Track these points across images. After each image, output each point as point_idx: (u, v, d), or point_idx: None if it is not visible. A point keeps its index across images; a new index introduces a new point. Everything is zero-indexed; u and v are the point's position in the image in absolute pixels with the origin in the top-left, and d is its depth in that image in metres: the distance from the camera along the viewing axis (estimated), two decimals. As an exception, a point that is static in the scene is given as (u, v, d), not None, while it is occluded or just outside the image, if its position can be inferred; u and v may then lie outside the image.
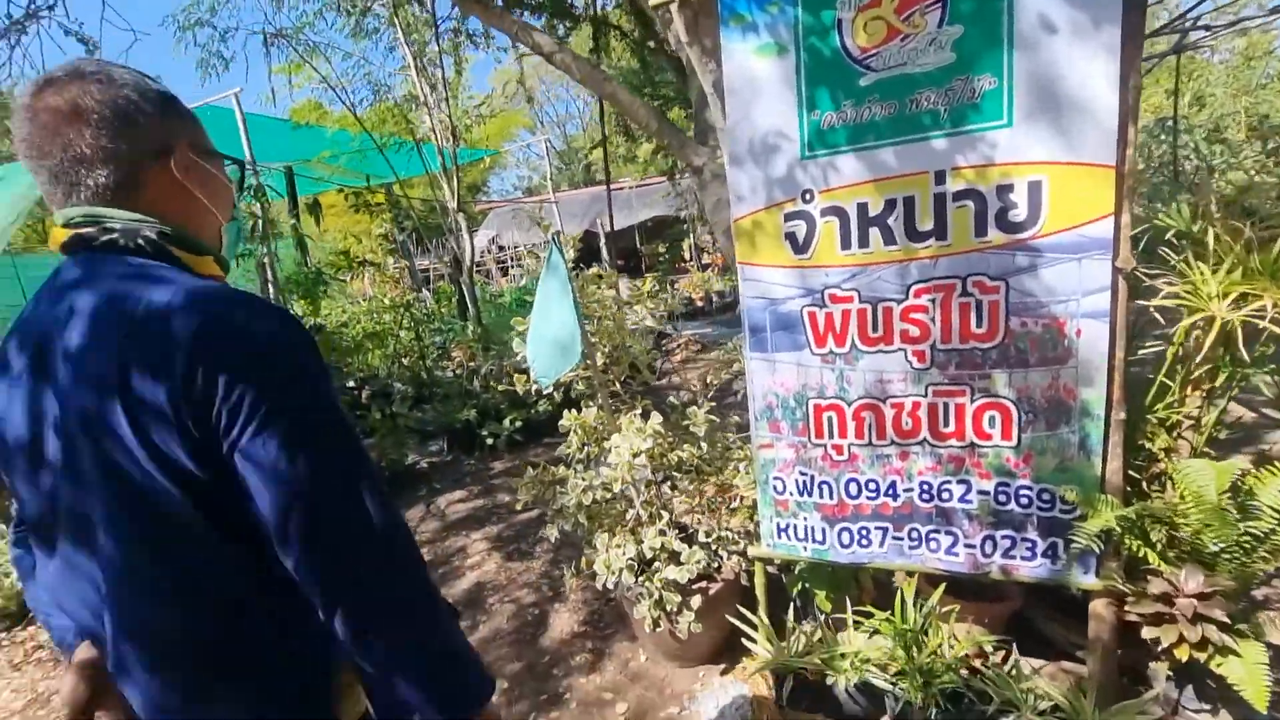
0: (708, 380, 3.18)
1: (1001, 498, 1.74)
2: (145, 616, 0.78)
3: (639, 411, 1.99)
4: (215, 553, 0.76)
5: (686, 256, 12.92)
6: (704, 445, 2.03)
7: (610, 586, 1.92)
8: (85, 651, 0.83)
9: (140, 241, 0.80)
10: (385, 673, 0.77)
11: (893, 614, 1.84)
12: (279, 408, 0.72)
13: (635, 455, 1.80)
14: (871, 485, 1.86)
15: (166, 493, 0.72)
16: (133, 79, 0.82)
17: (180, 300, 0.73)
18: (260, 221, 5.02)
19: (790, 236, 1.79)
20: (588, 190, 20.32)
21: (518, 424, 4.88)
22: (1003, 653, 1.86)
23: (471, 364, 5.80)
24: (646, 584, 1.94)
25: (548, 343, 1.80)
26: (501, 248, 16.28)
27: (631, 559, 1.91)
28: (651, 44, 7.27)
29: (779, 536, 2.00)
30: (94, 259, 0.80)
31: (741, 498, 2.24)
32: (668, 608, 1.96)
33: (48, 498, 0.80)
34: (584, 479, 1.98)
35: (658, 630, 1.99)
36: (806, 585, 2.15)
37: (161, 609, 0.77)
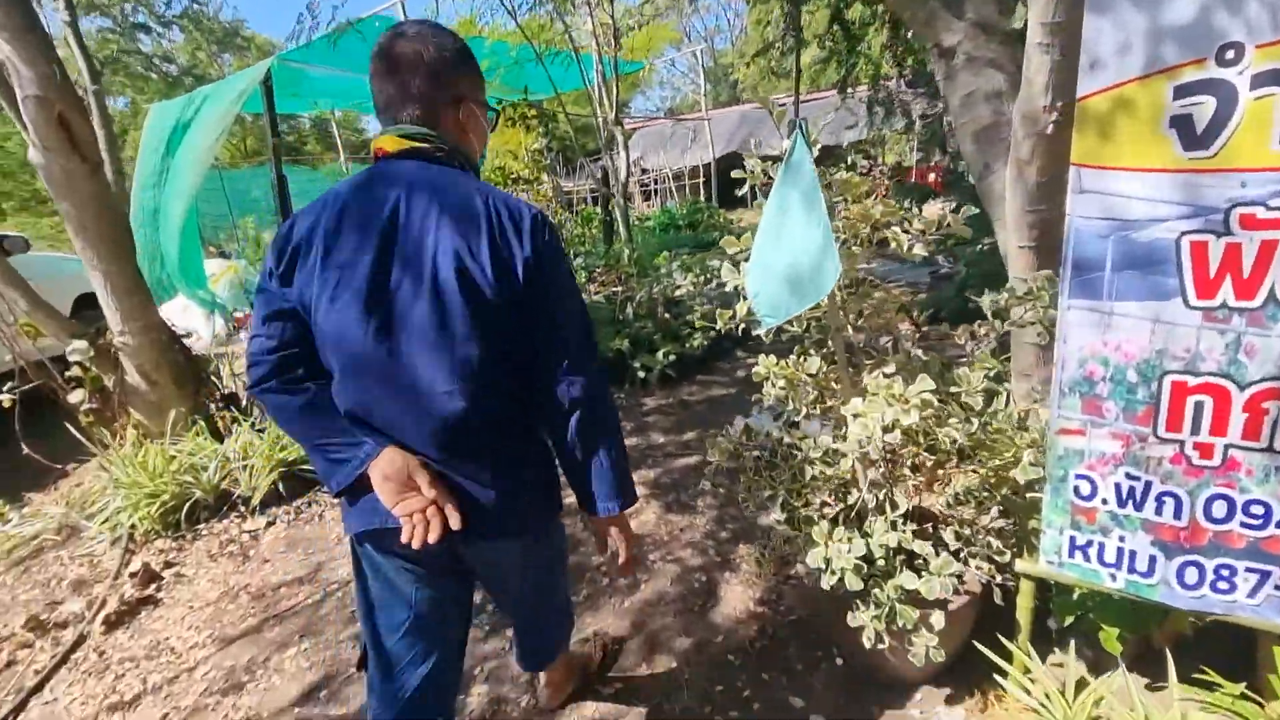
0: (915, 318, 2.59)
1: None
2: (464, 392, 1.08)
3: (891, 369, 1.49)
4: (514, 344, 1.11)
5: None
6: (975, 421, 1.50)
7: (829, 587, 1.51)
8: (391, 446, 1.10)
9: (458, 160, 1.15)
10: (594, 449, 1.19)
11: (1255, 689, 1.26)
12: (565, 265, 1.15)
13: (888, 430, 1.34)
14: (1256, 509, 1.25)
15: (498, 303, 1.07)
16: (450, 41, 1.14)
17: (517, 200, 1.13)
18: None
19: (1180, 122, 1.15)
20: (737, 109, 18.95)
21: (670, 358, 4.54)
22: None
23: (621, 290, 5.49)
24: (876, 591, 1.50)
25: (779, 272, 1.33)
26: (645, 170, 15.66)
27: (860, 559, 1.48)
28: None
29: (1071, 555, 1.46)
30: (431, 163, 1.12)
31: (991, 487, 1.70)
32: (899, 623, 1.52)
33: (380, 320, 1.05)
34: (802, 448, 1.56)
35: (879, 646, 1.56)
36: (1089, 616, 1.61)
37: (476, 384, 1.08)
